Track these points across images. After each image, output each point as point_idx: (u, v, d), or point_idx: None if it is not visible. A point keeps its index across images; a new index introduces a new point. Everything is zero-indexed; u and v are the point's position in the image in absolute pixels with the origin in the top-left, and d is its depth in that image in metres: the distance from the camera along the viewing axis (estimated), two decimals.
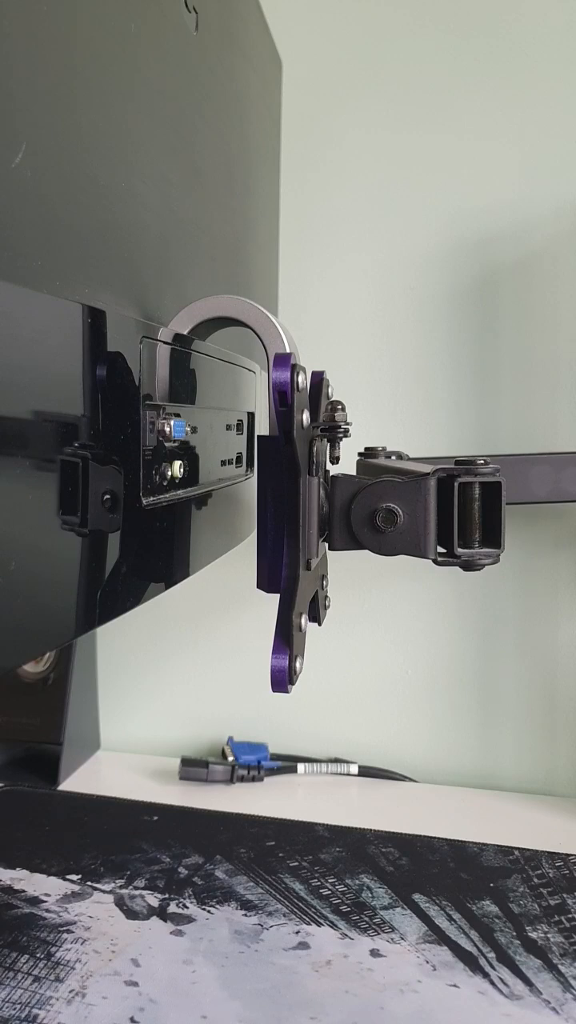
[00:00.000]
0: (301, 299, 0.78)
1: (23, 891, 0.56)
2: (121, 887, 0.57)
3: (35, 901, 0.55)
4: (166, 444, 0.34)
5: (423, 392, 0.76)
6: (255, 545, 0.37)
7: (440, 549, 0.38)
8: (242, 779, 0.75)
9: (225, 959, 0.49)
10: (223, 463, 0.44)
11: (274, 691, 0.35)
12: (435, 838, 0.64)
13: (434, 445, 0.76)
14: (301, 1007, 0.46)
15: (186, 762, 0.76)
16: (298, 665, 0.36)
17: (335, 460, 0.43)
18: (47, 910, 0.54)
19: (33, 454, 0.24)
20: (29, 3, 0.26)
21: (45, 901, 0.55)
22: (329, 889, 0.57)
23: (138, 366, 0.31)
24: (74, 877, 0.58)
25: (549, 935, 0.52)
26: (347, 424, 0.41)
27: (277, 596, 0.36)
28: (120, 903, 0.55)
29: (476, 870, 0.59)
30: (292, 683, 0.35)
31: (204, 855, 0.61)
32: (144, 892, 0.56)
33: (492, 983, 0.48)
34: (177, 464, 0.35)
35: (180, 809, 0.68)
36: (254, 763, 0.76)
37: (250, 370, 0.51)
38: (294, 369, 0.34)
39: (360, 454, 0.57)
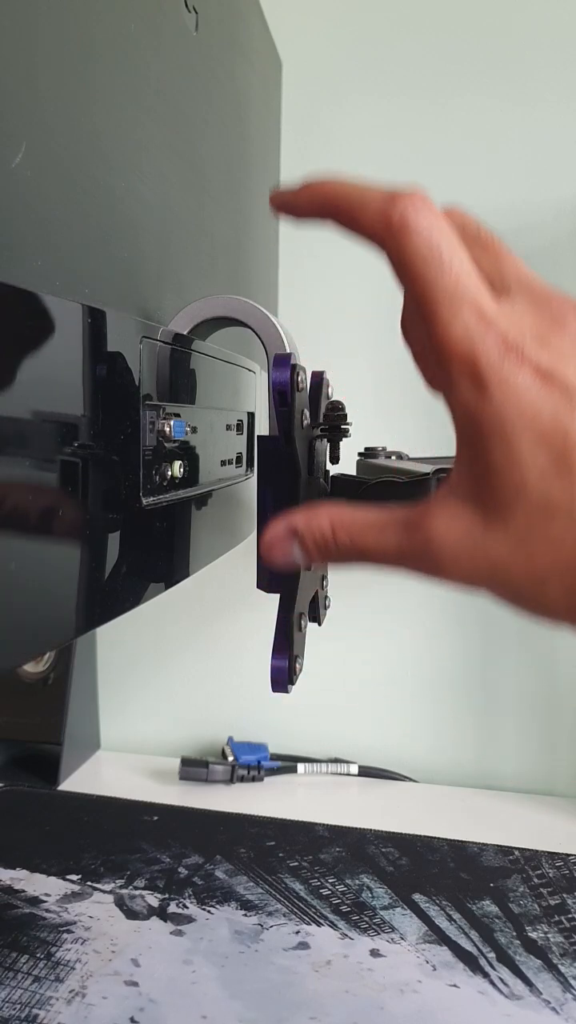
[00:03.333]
0: (301, 299, 0.78)
1: (23, 891, 0.56)
2: (121, 887, 0.57)
3: (35, 901, 0.55)
4: (166, 444, 0.34)
5: (423, 392, 0.76)
6: (255, 545, 0.37)
7: None
8: (242, 779, 0.75)
9: (225, 959, 0.49)
10: (223, 463, 0.44)
11: (274, 691, 0.35)
12: (435, 838, 0.64)
13: (434, 445, 0.76)
14: (301, 1007, 0.46)
15: (186, 762, 0.76)
16: (298, 665, 0.36)
17: (335, 460, 0.43)
18: (47, 910, 0.54)
19: (33, 454, 0.24)
20: (29, 3, 0.26)
21: (45, 901, 0.55)
22: (329, 889, 0.57)
23: (138, 366, 0.31)
24: (74, 877, 0.58)
25: (549, 935, 0.52)
26: (347, 424, 0.41)
27: (277, 596, 0.36)
28: (120, 903, 0.55)
29: (476, 870, 0.59)
30: (292, 683, 0.35)
31: (204, 855, 0.61)
32: (144, 892, 0.56)
33: (492, 983, 0.48)
34: (177, 464, 0.35)
35: (180, 809, 0.68)
36: (254, 763, 0.76)
37: (250, 370, 0.51)
38: (294, 369, 0.34)
39: (360, 454, 0.57)
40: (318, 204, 0.27)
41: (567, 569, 0.24)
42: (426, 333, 0.25)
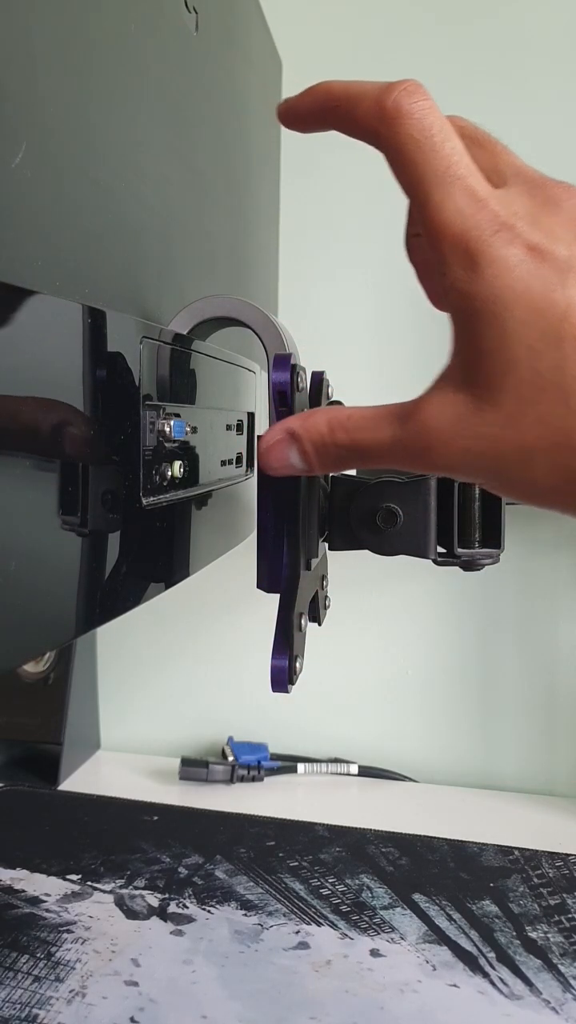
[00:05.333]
0: (301, 299, 0.78)
1: (23, 891, 0.56)
2: (121, 887, 0.57)
3: (35, 901, 0.55)
4: (166, 444, 0.34)
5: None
6: (255, 545, 0.37)
7: (440, 549, 0.38)
8: (242, 779, 0.75)
9: (225, 959, 0.49)
10: (223, 463, 0.44)
11: (274, 691, 0.35)
12: (435, 838, 0.64)
13: None
14: (301, 1007, 0.46)
15: (186, 762, 0.76)
16: (298, 665, 0.36)
17: None
18: (47, 910, 0.54)
19: (34, 454, 0.24)
20: (29, 3, 0.26)
21: (45, 901, 0.55)
22: (329, 889, 0.57)
23: (138, 366, 0.31)
24: (74, 877, 0.58)
25: (549, 935, 0.52)
26: None
27: (277, 596, 0.36)
28: (120, 903, 0.55)
29: (476, 870, 0.59)
30: (292, 683, 0.35)
31: (204, 855, 0.61)
32: (144, 892, 0.56)
33: (492, 983, 0.48)
34: (177, 464, 0.35)
35: (180, 809, 0.68)
36: (254, 763, 0.76)
37: (250, 370, 0.51)
38: (294, 369, 0.34)
39: None
40: (319, 104, 0.28)
41: (553, 446, 0.24)
42: (420, 219, 0.25)
